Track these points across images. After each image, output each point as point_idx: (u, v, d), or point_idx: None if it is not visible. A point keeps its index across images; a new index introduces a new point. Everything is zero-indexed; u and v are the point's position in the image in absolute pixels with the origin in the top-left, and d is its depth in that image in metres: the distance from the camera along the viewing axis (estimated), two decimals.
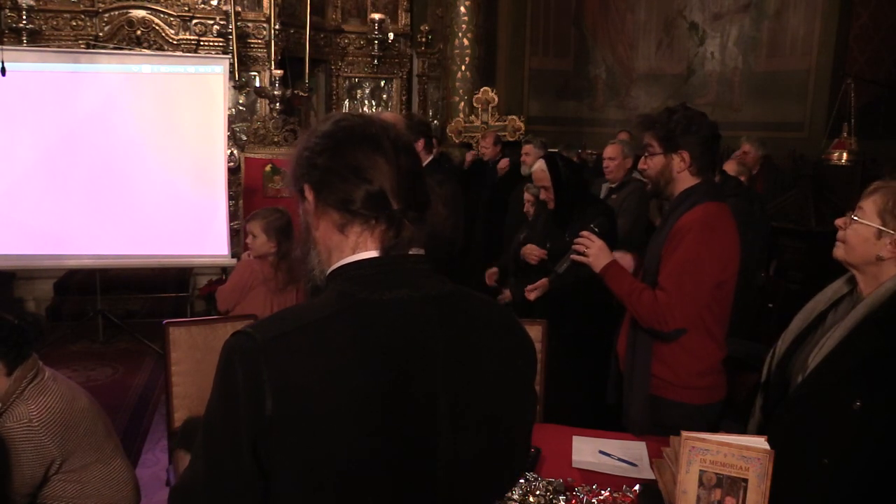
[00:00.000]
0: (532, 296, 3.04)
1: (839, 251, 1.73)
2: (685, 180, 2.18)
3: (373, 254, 0.98)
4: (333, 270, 1.00)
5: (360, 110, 7.47)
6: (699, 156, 2.15)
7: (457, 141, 7.22)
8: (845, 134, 5.62)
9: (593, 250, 2.22)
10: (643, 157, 2.24)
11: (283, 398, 0.88)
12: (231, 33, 6.15)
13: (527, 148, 5.08)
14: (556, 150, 4.76)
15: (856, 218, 1.68)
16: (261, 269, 3.19)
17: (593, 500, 1.75)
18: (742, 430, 1.91)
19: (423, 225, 1.00)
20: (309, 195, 1.01)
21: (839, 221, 1.73)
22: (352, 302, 0.94)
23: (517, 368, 1.07)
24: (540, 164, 3.14)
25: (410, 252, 1.00)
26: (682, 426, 2.06)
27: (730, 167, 4.53)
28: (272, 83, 5.95)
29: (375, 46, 7.17)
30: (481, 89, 7.21)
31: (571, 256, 2.30)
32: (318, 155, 0.99)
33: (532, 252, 3.17)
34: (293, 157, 1.03)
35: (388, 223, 0.97)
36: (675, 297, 2.06)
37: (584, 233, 2.28)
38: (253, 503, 0.92)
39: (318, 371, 0.89)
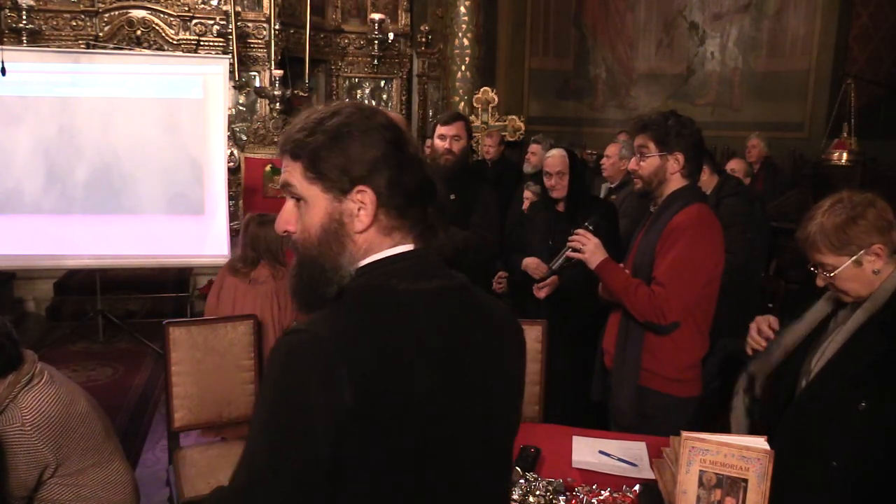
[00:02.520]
0: (542, 293, 3.03)
1: (848, 299, 1.73)
2: (676, 182, 2.29)
3: (409, 247, 1.01)
4: (367, 264, 1.00)
5: None
6: (691, 158, 2.27)
7: None
8: (845, 134, 5.63)
9: (589, 248, 2.32)
10: (635, 158, 2.34)
11: (361, 389, 0.88)
12: (231, 33, 6.15)
13: (534, 147, 5.06)
14: None
15: (831, 274, 1.69)
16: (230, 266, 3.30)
17: (593, 500, 1.75)
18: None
19: (445, 220, 1.07)
20: (367, 197, 0.98)
21: (821, 283, 1.74)
22: (395, 292, 0.96)
23: (519, 366, 1.13)
24: (560, 151, 3.22)
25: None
26: (667, 418, 2.18)
27: (735, 164, 4.54)
28: (272, 83, 5.95)
29: (375, 46, 7.17)
30: (481, 89, 7.21)
31: (567, 253, 2.41)
32: (385, 158, 0.98)
33: (535, 268, 3.12)
34: (342, 152, 0.97)
35: (425, 221, 1.02)
36: (672, 291, 2.16)
37: (580, 231, 2.38)
38: (324, 500, 0.90)
39: (386, 362, 0.91)
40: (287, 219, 1.02)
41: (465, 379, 0.99)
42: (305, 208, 1.00)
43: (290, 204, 1.03)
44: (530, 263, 3.11)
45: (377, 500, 0.92)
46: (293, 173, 1.00)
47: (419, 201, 1.01)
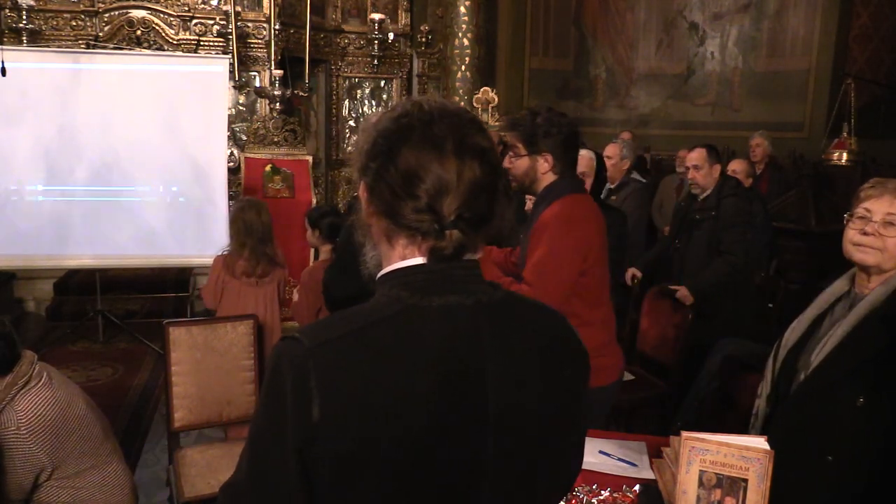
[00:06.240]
0: None
1: (871, 258, 1.66)
2: (549, 179, 2.28)
3: (419, 260, 0.94)
4: (383, 274, 0.97)
5: (360, 110, 7.48)
6: (561, 156, 2.25)
7: None
8: (845, 134, 5.63)
9: None
10: (507, 157, 2.31)
11: (329, 404, 0.85)
12: (231, 33, 6.15)
13: None
14: None
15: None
16: (227, 263, 3.31)
17: (593, 500, 1.75)
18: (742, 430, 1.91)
19: (478, 235, 0.95)
20: (363, 194, 0.97)
21: (871, 229, 1.64)
22: (401, 307, 0.91)
23: (565, 379, 1.02)
24: (589, 153, 3.26)
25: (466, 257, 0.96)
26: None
27: (736, 165, 4.54)
28: (272, 83, 5.94)
29: (375, 46, 7.17)
30: (481, 89, 7.21)
31: None
32: (373, 157, 0.94)
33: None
34: (358, 142, 0.99)
35: (437, 237, 0.92)
36: (538, 291, 2.12)
37: None
38: None
39: (366, 377, 0.87)
40: None
41: (474, 402, 0.92)
42: None
43: None
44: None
45: None
46: None
47: (420, 214, 0.97)
